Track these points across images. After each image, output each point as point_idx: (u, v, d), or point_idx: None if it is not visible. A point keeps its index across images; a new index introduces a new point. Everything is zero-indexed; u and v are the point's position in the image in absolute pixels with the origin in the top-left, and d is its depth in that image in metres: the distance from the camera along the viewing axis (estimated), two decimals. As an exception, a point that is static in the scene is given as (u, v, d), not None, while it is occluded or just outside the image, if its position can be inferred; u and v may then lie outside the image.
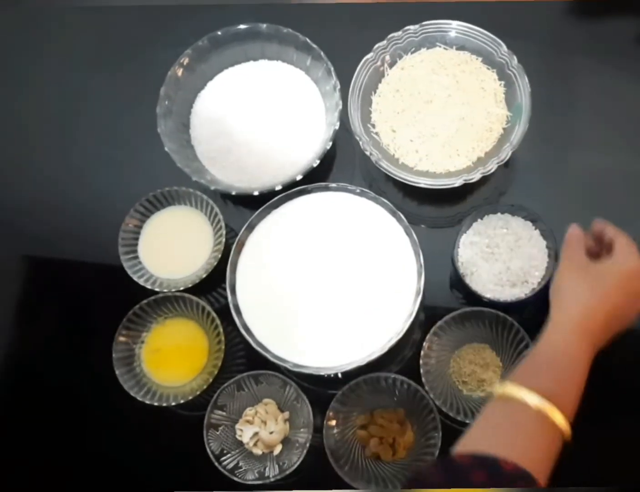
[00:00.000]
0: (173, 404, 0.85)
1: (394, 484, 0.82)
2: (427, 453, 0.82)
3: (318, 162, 0.91)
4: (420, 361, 0.85)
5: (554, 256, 0.86)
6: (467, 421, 0.82)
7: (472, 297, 0.88)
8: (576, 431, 0.72)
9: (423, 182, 0.89)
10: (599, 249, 0.79)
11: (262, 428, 0.86)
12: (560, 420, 0.66)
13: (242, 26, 0.97)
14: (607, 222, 0.79)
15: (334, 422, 0.84)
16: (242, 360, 0.91)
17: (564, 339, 0.71)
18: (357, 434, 0.86)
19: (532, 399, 0.66)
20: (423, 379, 0.84)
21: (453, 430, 0.83)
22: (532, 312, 0.87)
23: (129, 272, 0.91)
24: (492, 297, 0.86)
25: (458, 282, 0.89)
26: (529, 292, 0.86)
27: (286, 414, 0.87)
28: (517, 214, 0.89)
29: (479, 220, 0.90)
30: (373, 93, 0.96)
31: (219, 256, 0.90)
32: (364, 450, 0.86)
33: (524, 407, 0.66)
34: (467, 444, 0.66)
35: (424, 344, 0.85)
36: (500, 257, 0.88)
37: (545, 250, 0.88)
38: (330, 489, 0.82)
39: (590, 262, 0.76)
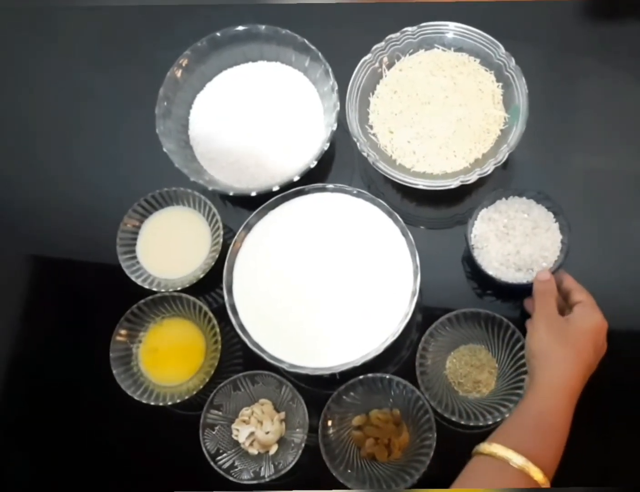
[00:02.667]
0: (169, 403, 0.86)
1: (389, 484, 0.82)
2: (422, 454, 0.82)
3: (316, 163, 0.91)
4: (416, 362, 0.85)
5: (566, 251, 0.86)
6: (462, 422, 0.82)
7: (477, 273, 0.89)
8: (576, 431, 0.73)
9: (420, 184, 0.89)
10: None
11: (258, 428, 0.86)
12: (541, 479, 0.71)
13: (240, 27, 0.97)
14: (567, 275, 0.84)
15: (329, 423, 0.84)
16: (238, 360, 0.92)
17: (546, 402, 0.75)
18: (352, 434, 0.86)
19: (517, 460, 0.71)
20: (419, 380, 0.84)
21: (448, 431, 0.84)
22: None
23: (127, 272, 0.91)
24: (494, 275, 0.87)
25: (468, 255, 0.90)
26: (531, 280, 0.86)
27: (282, 415, 0.88)
28: (541, 202, 0.89)
29: (503, 199, 0.90)
30: (371, 94, 0.96)
31: (217, 256, 0.90)
32: (359, 450, 0.86)
33: (508, 466, 0.71)
34: None
35: (420, 344, 0.85)
36: (514, 239, 0.88)
37: (559, 244, 0.88)
38: (325, 489, 0.82)
39: (560, 318, 0.81)
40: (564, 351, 0.77)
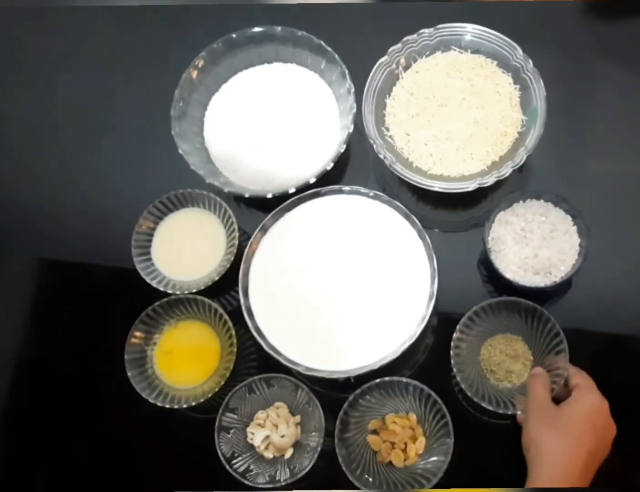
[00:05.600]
0: (185, 406, 0.85)
1: (406, 489, 0.81)
2: (439, 458, 0.82)
3: (332, 165, 0.91)
4: (452, 343, 0.84)
5: (584, 255, 0.85)
6: (490, 408, 0.82)
7: (494, 277, 0.89)
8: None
9: (437, 186, 0.89)
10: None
11: (273, 432, 0.86)
12: None
13: (256, 29, 0.97)
14: (565, 360, 0.81)
15: (345, 427, 0.84)
16: (253, 363, 0.91)
17: None
18: (368, 439, 0.85)
19: None
20: (452, 361, 0.83)
21: (466, 435, 0.83)
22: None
23: (142, 274, 0.91)
24: (512, 279, 0.86)
25: (484, 258, 0.90)
26: (549, 283, 0.85)
27: (297, 418, 0.87)
28: (559, 205, 0.89)
29: (521, 202, 0.90)
30: (387, 96, 0.95)
31: (232, 258, 0.90)
32: (375, 455, 0.85)
33: None
34: None
35: (457, 326, 0.85)
36: (532, 243, 0.87)
37: (577, 248, 0.87)
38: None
39: (552, 406, 0.78)
40: (559, 440, 0.75)
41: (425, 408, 0.85)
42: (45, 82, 1.09)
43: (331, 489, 0.83)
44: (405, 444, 0.84)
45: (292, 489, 0.83)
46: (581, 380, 0.80)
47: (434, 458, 0.83)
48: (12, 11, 1.12)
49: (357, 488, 0.81)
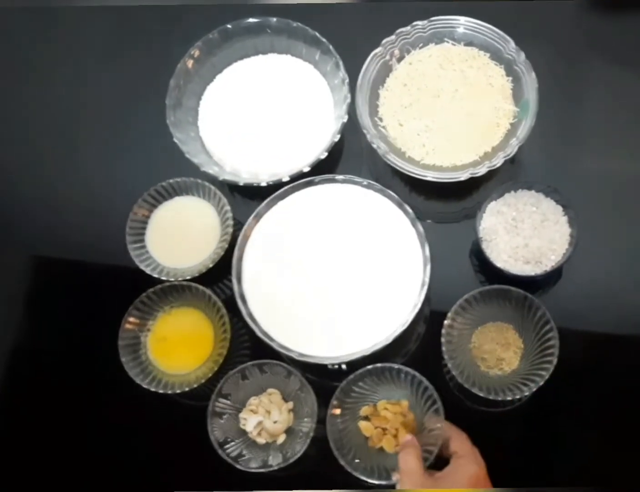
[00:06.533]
0: (178, 391, 0.86)
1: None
2: (430, 444, 0.82)
3: (326, 154, 0.91)
4: (443, 331, 0.84)
5: (575, 244, 0.87)
6: (481, 394, 0.82)
7: (485, 266, 0.90)
8: (575, 432, 0.73)
9: (430, 176, 0.90)
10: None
11: (265, 418, 0.86)
12: None
13: (252, 20, 0.98)
14: (445, 421, 0.80)
15: (338, 412, 0.84)
16: (246, 351, 0.92)
17: None
18: (360, 424, 0.86)
19: None
20: (443, 348, 0.84)
21: (456, 422, 0.82)
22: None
23: (136, 261, 0.91)
24: (503, 268, 0.87)
25: (476, 248, 0.91)
26: (540, 272, 0.86)
27: (290, 404, 0.88)
28: (550, 195, 0.90)
29: (512, 192, 0.91)
30: (381, 87, 0.96)
31: (226, 246, 0.90)
32: (367, 441, 0.86)
33: None
34: None
35: (448, 314, 0.85)
36: (522, 232, 0.88)
37: (567, 237, 0.88)
38: (334, 477, 0.82)
39: (431, 479, 0.76)
40: None
41: (417, 395, 0.85)
42: (46, 74, 1.10)
43: (323, 474, 0.83)
44: (397, 430, 0.85)
45: (283, 473, 0.83)
46: (459, 447, 0.77)
47: (426, 444, 0.83)
48: (12, 11, 1.13)
49: (349, 473, 0.81)
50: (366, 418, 0.86)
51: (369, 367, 0.84)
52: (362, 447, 0.85)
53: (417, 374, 0.84)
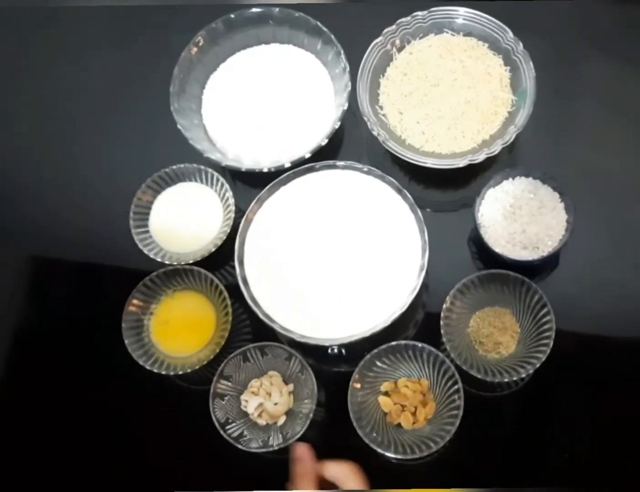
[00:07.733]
0: (180, 373, 0.87)
1: (413, 450, 0.82)
2: (447, 423, 0.83)
3: (326, 141, 0.93)
4: (442, 314, 0.86)
5: (571, 230, 0.88)
6: (479, 376, 0.84)
7: (483, 252, 0.91)
8: (575, 432, 0.73)
9: (429, 162, 0.91)
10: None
11: (266, 400, 0.88)
12: None
13: (254, 10, 1.00)
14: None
15: (359, 385, 0.85)
16: (248, 335, 0.93)
17: None
18: (380, 399, 0.87)
19: None
20: (442, 331, 0.85)
21: (475, 406, 0.84)
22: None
23: (140, 245, 0.93)
24: (501, 253, 0.88)
25: (474, 235, 0.92)
26: (537, 257, 0.88)
27: (290, 387, 0.89)
28: (547, 182, 0.91)
29: (510, 179, 0.92)
30: (381, 76, 0.98)
31: (228, 230, 0.92)
32: (385, 416, 0.87)
33: None
34: None
35: (447, 297, 0.87)
36: (520, 219, 0.90)
37: (564, 224, 0.90)
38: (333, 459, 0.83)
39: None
40: None
41: (437, 374, 0.86)
42: (52, 62, 1.11)
43: (322, 455, 0.84)
44: (416, 408, 0.86)
45: (284, 454, 0.84)
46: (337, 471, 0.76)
47: (444, 423, 0.84)
48: (12, 11, 1.14)
49: (348, 454, 0.82)
50: (386, 394, 0.88)
51: (393, 343, 0.85)
52: (380, 422, 0.86)
53: (440, 353, 0.85)
